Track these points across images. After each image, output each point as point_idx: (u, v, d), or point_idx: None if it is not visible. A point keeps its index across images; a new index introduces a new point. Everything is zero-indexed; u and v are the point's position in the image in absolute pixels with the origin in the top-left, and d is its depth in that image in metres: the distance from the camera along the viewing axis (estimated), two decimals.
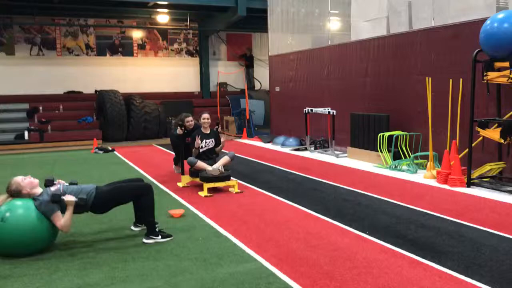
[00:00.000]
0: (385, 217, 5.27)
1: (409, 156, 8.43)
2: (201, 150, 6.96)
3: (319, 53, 11.96)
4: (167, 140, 14.38)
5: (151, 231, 4.58)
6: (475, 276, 3.57)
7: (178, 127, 7.08)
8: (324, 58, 11.70)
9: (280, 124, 13.97)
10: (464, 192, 6.48)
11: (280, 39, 14.03)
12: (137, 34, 17.83)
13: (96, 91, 16.22)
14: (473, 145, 6.92)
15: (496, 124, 6.56)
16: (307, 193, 6.63)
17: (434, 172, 7.41)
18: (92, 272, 3.83)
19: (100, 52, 17.30)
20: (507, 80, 6.40)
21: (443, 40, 8.15)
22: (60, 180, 4.67)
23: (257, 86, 18.66)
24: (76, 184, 4.66)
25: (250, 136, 14.29)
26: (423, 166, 8.19)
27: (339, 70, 11.11)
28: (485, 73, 6.70)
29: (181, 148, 7.39)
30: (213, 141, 7.11)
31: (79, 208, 4.43)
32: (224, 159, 6.81)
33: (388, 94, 9.47)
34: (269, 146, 12.52)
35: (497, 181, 6.87)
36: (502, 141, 6.38)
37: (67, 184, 4.64)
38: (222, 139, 7.24)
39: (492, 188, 6.58)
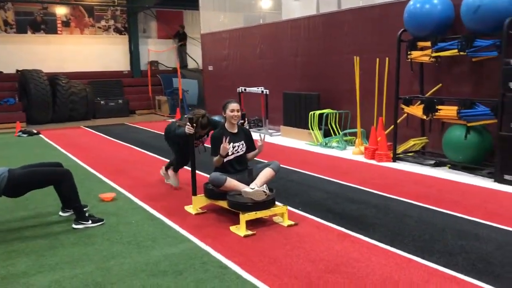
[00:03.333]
0: (316, 193, 5.42)
1: (339, 134, 8.70)
2: (226, 159, 4.65)
3: (251, 32, 11.94)
4: (96, 122, 13.94)
5: (80, 216, 4.42)
6: (400, 246, 3.77)
7: (188, 124, 4.80)
8: (256, 37, 11.70)
9: (214, 103, 13.86)
10: (390, 167, 6.80)
11: (212, 17, 13.84)
12: (61, 11, 16.87)
13: (17, 71, 15.27)
14: (398, 121, 7.25)
15: (419, 101, 6.89)
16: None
17: (362, 148, 7.70)
18: (18, 261, 3.65)
19: (20, 30, 16.23)
20: (429, 59, 6.72)
21: (370, 20, 8.39)
22: None
23: (193, 64, 18.36)
24: None
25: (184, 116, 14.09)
26: (352, 143, 8.49)
27: (271, 49, 11.17)
28: (409, 52, 7.00)
29: (187, 152, 5.25)
30: (244, 144, 4.74)
31: None
32: (267, 174, 4.50)
33: (319, 73, 9.66)
34: None
35: (420, 156, 7.26)
36: (425, 117, 6.73)
37: None
38: (259, 142, 4.73)
39: (416, 162, 6.95)
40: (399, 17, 7.08)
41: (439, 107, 6.49)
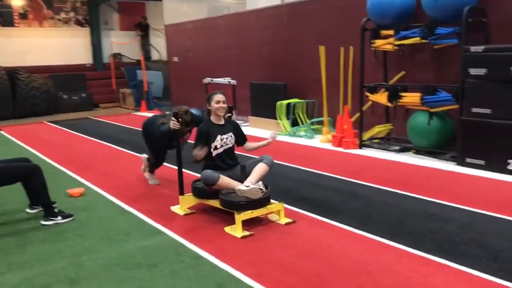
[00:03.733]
0: (286, 181, 5.49)
1: (306, 123, 8.81)
2: (215, 153, 4.39)
3: (216, 22, 11.87)
4: (59, 117, 13.59)
5: (49, 213, 4.34)
6: (370, 230, 3.87)
7: (173, 119, 4.48)
8: (221, 28, 11.65)
9: (180, 95, 13.77)
10: (357, 154, 6.94)
11: (176, 8, 13.68)
12: (17, 2, 16.28)
13: None
14: (363, 109, 7.39)
15: (384, 89, 7.04)
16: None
17: (330, 136, 7.82)
18: None
19: None
20: (392, 47, 6.87)
21: (334, 9, 8.49)
22: None
23: (157, 56, 18.11)
24: None
25: (149, 108, 13.93)
26: (319, 131, 8.60)
27: (237, 39, 11.15)
28: (372, 41, 7.13)
29: (164, 151, 5.54)
30: (232, 136, 4.51)
31: None
32: (261, 170, 4.25)
33: (285, 63, 9.72)
34: None
35: (386, 142, 7.43)
36: (389, 104, 6.88)
37: None
38: (269, 138, 4.62)
39: (381, 149, 7.12)
40: (363, 6, 7.19)
41: (403, 94, 6.65)
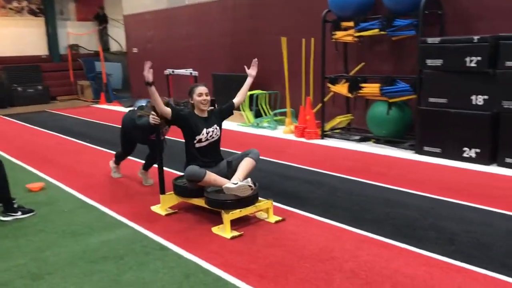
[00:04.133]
0: (252, 172, 5.52)
1: (269, 114, 8.87)
2: (198, 145, 4.13)
3: (177, 12, 11.73)
4: (14, 110, 13.12)
5: (9, 208, 4.21)
6: (333, 218, 3.97)
7: (152, 113, 4.19)
8: (182, 18, 11.52)
9: (141, 86, 13.50)
10: (319, 144, 7.06)
11: None
12: None
13: None
14: (325, 100, 7.51)
15: (344, 80, 7.18)
16: (176, 156, 6.62)
17: (292, 127, 7.92)
18: None
19: None
20: (352, 39, 7.00)
21: (295, 1, 8.55)
22: None
23: (116, 47, 17.71)
24: None
25: (109, 101, 13.65)
26: (282, 122, 8.68)
27: (198, 30, 11.06)
28: (333, 33, 7.24)
29: (132, 146, 5.30)
30: (218, 128, 4.26)
31: None
32: (247, 165, 4.04)
33: (247, 54, 9.69)
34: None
35: (347, 132, 7.59)
36: (350, 95, 7.02)
37: None
38: (250, 71, 4.94)
39: (343, 138, 7.27)
40: None
41: (363, 85, 6.81)
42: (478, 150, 5.54)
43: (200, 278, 2.99)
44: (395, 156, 6.12)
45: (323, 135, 7.40)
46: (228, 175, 4.01)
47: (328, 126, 7.64)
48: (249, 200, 3.83)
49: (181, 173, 4.34)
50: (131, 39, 13.80)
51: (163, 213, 4.22)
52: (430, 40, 5.88)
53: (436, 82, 5.91)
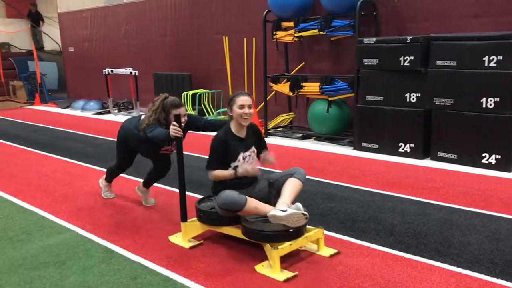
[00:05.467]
0: (199, 172, 5.51)
1: (213, 113, 8.87)
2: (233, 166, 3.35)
3: (115, 11, 11.46)
4: None
5: None
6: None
7: (174, 125, 3.34)
8: (120, 16, 11.27)
9: (78, 87, 13.13)
10: None
11: None
12: None
13: None
14: (267, 98, 7.62)
15: (286, 79, 7.31)
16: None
17: None
18: None
19: None
20: (293, 39, 7.14)
21: (236, 1, 8.59)
22: None
23: (51, 46, 16.99)
24: None
25: (44, 101, 13.11)
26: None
27: (138, 28, 10.86)
28: (274, 32, 7.35)
29: (131, 158, 4.36)
30: (255, 151, 3.50)
31: None
32: (295, 187, 3.31)
33: (189, 53, 9.67)
34: (67, 111, 11.71)
35: (289, 130, 7.74)
36: (291, 94, 7.16)
37: None
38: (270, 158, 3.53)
39: (285, 136, 7.40)
40: None
41: (304, 84, 6.97)
42: (412, 145, 5.83)
43: (148, 279, 2.96)
44: (335, 153, 6.31)
45: (267, 133, 7.50)
46: (270, 198, 3.32)
47: (271, 124, 7.75)
48: (299, 230, 3.11)
49: (199, 195, 3.77)
50: (66, 38, 13.33)
51: (186, 245, 3.44)
52: (366, 40, 6.11)
53: (372, 80, 6.15)
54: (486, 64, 5.14)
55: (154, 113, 3.77)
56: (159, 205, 4.38)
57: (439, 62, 5.52)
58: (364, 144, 6.29)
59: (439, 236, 3.47)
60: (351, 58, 6.56)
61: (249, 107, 3.29)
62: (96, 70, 11.48)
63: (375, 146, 6.17)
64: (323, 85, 6.67)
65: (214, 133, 3.49)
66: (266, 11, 7.34)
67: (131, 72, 10.21)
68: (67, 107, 12.22)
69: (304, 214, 3.06)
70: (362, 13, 6.31)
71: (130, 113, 10.53)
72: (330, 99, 6.71)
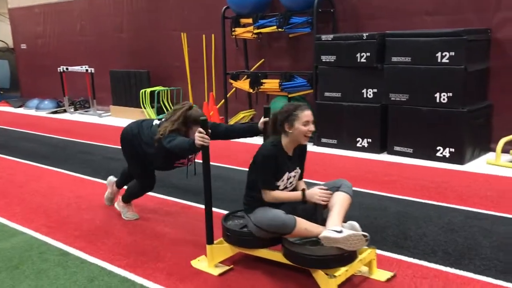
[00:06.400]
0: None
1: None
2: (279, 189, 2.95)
3: (69, 6, 11.13)
4: None
5: None
6: (233, 209, 4.02)
7: (200, 131, 3.04)
8: (75, 12, 10.96)
9: (31, 85, 12.69)
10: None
11: None
12: None
13: None
14: (228, 96, 7.59)
15: (246, 76, 7.30)
16: (74, 157, 6.32)
17: None
18: None
19: None
20: (252, 35, 7.14)
21: None
22: None
23: (2, 43, 16.32)
24: None
25: None
26: None
27: (93, 25, 10.59)
28: (233, 29, 7.33)
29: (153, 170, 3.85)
30: (299, 171, 3.10)
31: None
32: (344, 203, 2.89)
33: (147, 49, 9.50)
34: (21, 110, 11.32)
35: None
36: (251, 90, 7.16)
37: None
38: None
39: None
40: None
41: (263, 80, 6.98)
42: (369, 140, 5.94)
43: (105, 280, 2.89)
44: None
45: None
46: (318, 216, 2.90)
47: (232, 121, 7.72)
48: (353, 253, 2.68)
49: (224, 211, 3.50)
50: (18, 35, 12.85)
51: (214, 272, 2.96)
52: (324, 37, 6.18)
53: (330, 77, 6.22)
54: (439, 60, 5.29)
55: (172, 124, 3.31)
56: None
57: (394, 59, 5.64)
58: (323, 140, 6.36)
59: (397, 229, 3.55)
60: (310, 55, 6.62)
61: (313, 122, 2.90)
62: (50, 67, 11.13)
63: (334, 141, 6.25)
64: (283, 81, 6.71)
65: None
66: (225, 7, 7.31)
67: (87, 70, 9.96)
68: (20, 106, 11.81)
69: (364, 236, 2.63)
70: (320, 10, 6.38)
71: (86, 111, 10.28)
72: (290, 95, 6.75)
